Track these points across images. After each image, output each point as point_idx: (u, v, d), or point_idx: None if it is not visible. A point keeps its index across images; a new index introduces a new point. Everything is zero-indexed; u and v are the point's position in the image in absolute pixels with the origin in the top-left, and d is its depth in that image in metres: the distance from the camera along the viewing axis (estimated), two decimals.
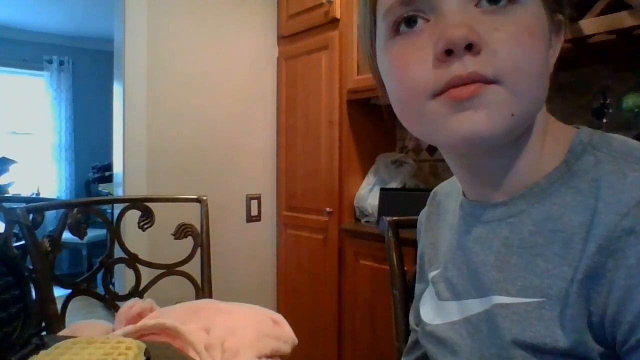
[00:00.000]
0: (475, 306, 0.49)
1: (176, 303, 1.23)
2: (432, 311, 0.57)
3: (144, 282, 1.42)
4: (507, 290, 0.45)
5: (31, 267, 1.15)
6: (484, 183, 0.51)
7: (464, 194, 0.55)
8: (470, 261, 0.51)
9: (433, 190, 0.67)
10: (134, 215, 1.42)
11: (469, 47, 0.40)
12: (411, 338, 0.71)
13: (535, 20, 0.42)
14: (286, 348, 1.08)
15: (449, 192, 0.62)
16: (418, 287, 0.65)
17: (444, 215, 0.61)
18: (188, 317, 1.08)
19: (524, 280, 0.44)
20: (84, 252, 4.20)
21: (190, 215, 1.51)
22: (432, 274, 0.60)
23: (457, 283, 0.53)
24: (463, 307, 0.51)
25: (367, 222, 2.24)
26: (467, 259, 0.52)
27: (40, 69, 4.64)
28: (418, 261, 0.67)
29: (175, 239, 1.44)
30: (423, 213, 0.68)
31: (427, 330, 0.56)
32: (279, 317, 1.17)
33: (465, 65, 0.40)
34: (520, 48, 0.40)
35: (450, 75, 0.41)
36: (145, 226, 1.42)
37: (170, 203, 1.57)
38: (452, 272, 0.55)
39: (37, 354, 0.76)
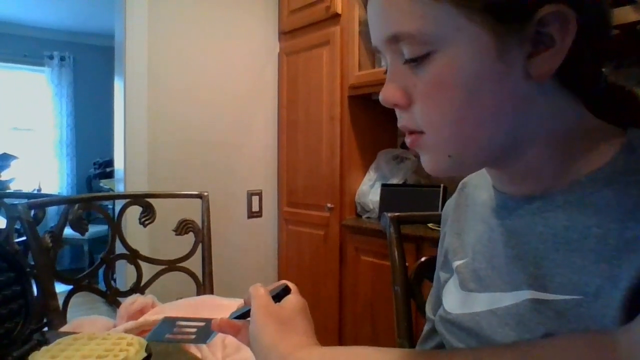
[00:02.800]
0: (504, 299, 0.48)
1: (177, 299, 1.23)
2: (455, 300, 0.57)
3: (145, 278, 1.42)
4: (545, 286, 0.44)
5: (32, 263, 1.16)
6: (513, 180, 0.50)
7: (493, 186, 0.55)
8: (504, 254, 0.50)
9: (462, 181, 0.66)
10: (135, 211, 1.42)
11: (397, 104, 0.47)
12: (426, 327, 0.70)
13: (454, 67, 0.43)
14: None
15: (479, 184, 0.61)
16: (443, 275, 0.64)
17: (473, 206, 0.60)
18: (189, 313, 1.08)
19: (562, 277, 0.43)
20: (85, 248, 4.21)
21: (192, 211, 1.51)
22: (457, 263, 0.59)
23: (486, 275, 0.52)
24: (490, 299, 0.50)
25: (368, 218, 2.24)
26: (500, 252, 0.51)
27: (41, 64, 4.63)
28: (443, 250, 0.66)
29: (176, 235, 1.44)
30: (450, 202, 0.67)
31: (449, 319, 0.56)
32: None
33: (399, 119, 0.49)
34: (429, 106, 0.45)
35: (399, 125, 0.50)
36: (147, 222, 1.42)
37: (172, 199, 1.57)
38: (480, 264, 0.54)
39: (38, 350, 0.76)
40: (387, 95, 0.47)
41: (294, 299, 0.55)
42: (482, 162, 0.50)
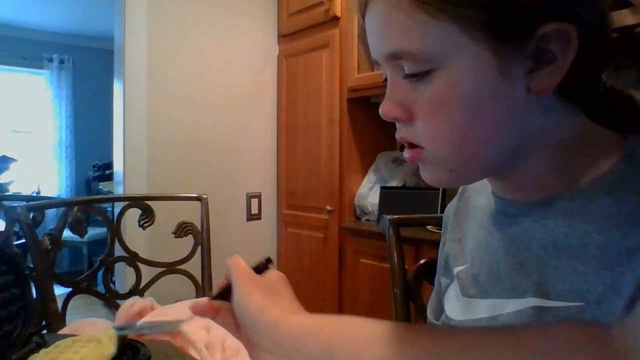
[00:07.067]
0: (506, 306, 0.48)
1: (176, 301, 1.23)
2: (456, 307, 0.57)
3: (144, 281, 1.42)
4: (548, 293, 0.44)
5: (32, 265, 1.15)
6: (513, 188, 0.51)
7: (493, 192, 0.55)
8: (504, 261, 0.50)
9: (463, 186, 0.66)
10: (134, 213, 1.42)
11: (398, 119, 0.47)
12: None
13: (455, 85, 0.42)
14: None
15: (478, 188, 0.60)
16: (444, 281, 0.64)
17: (472, 211, 0.60)
18: (188, 316, 1.08)
19: (564, 283, 0.43)
20: (85, 251, 4.20)
21: (191, 213, 1.51)
22: (457, 269, 0.59)
23: (486, 282, 0.52)
24: (491, 305, 0.50)
25: (367, 220, 2.24)
26: (500, 258, 0.51)
27: (41, 67, 4.62)
28: (443, 255, 0.66)
29: (175, 237, 1.44)
30: (451, 207, 0.67)
31: (452, 325, 0.56)
32: None
33: (398, 131, 0.49)
34: (430, 123, 0.45)
35: (397, 137, 0.50)
36: (146, 225, 1.41)
37: (171, 202, 1.57)
38: (480, 270, 0.54)
39: (37, 353, 0.76)
40: (387, 110, 0.47)
41: (275, 272, 0.52)
42: (482, 175, 0.51)
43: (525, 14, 0.40)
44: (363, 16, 0.49)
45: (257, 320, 0.46)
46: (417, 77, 0.44)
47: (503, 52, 0.41)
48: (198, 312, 0.52)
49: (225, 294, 0.51)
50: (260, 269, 0.52)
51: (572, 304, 0.42)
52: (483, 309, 0.51)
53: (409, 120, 0.46)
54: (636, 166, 0.43)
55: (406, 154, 0.49)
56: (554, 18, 0.40)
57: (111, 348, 0.75)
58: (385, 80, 0.49)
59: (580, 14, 0.41)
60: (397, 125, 0.49)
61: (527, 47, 0.41)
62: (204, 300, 0.52)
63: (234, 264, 0.51)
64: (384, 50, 0.46)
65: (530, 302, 0.46)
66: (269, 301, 0.47)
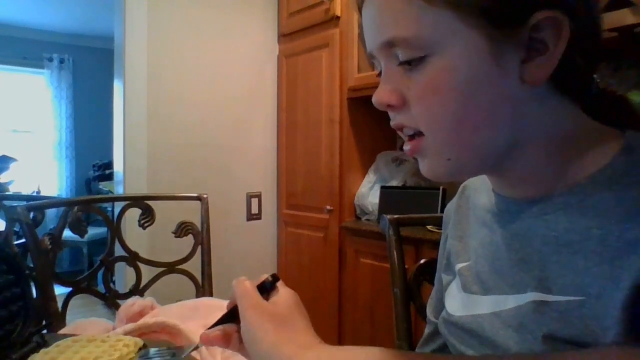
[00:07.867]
0: (508, 302, 0.48)
1: (176, 301, 1.23)
2: (457, 303, 0.57)
3: (144, 280, 1.42)
4: (549, 288, 0.44)
5: (32, 265, 1.15)
6: (512, 183, 0.51)
7: (493, 190, 0.55)
8: (507, 258, 0.50)
9: (463, 184, 0.66)
10: (134, 213, 1.42)
11: (391, 105, 0.47)
12: (427, 330, 0.71)
13: (450, 71, 0.43)
14: None
15: (479, 187, 0.61)
16: (445, 277, 0.64)
17: (473, 209, 0.61)
18: (188, 315, 1.08)
19: (565, 278, 0.43)
20: (85, 250, 4.20)
21: (191, 213, 1.51)
22: (459, 266, 0.59)
23: (488, 278, 0.53)
24: (493, 301, 0.51)
25: (367, 220, 2.24)
26: (503, 255, 0.51)
27: (41, 66, 4.63)
28: (444, 253, 0.66)
29: (175, 237, 1.44)
30: (451, 205, 0.67)
31: (451, 320, 0.56)
32: None
33: (394, 118, 0.49)
34: (425, 108, 0.45)
35: (392, 124, 0.49)
36: (146, 224, 1.41)
37: (171, 201, 1.57)
38: (482, 267, 0.54)
39: (37, 352, 0.76)
40: (381, 96, 0.48)
41: (285, 293, 0.51)
42: (480, 167, 0.50)
43: (519, 0, 0.41)
44: (360, 9, 0.49)
45: (269, 357, 0.45)
46: (412, 63, 0.44)
47: (497, 39, 0.42)
48: (208, 342, 0.50)
49: (230, 317, 0.50)
50: (267, 287, 0.50)
51: (573, 298, 0.42)
52: (485, 305, 0.52)
53: (402, 107, 0.47)
54: (635, 160, 0.43)
55: (406, 146, 0.49)
56: (547, 6, 0.41)
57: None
58: (380, 74, 0.49)
59: (573, 4, 0.42)
60: (391, 114, 0.49)
61: (521, 36, 0.42)
62: (214, 331, 0.50)
63: (239, 290, 0.49)
64: (380, 39, 0.46)
65: (530, 296, 0.46)
66: (282, 336, 0.46)
